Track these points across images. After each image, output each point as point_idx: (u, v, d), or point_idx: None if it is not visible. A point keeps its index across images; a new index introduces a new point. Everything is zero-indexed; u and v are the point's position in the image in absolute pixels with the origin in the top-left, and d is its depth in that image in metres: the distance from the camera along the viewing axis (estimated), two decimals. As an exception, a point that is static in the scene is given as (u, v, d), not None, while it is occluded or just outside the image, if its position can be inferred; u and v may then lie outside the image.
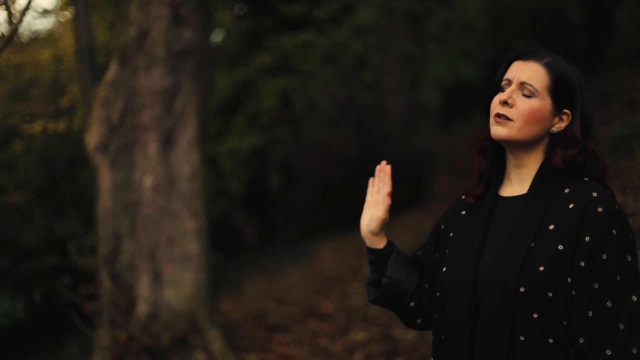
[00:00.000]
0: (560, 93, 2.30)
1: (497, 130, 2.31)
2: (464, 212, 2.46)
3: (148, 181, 6.22)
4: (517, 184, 2.36)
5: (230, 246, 13.08)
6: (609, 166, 2.30)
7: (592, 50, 16.29)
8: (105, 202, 6.26)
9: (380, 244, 2.57)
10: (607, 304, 2.13)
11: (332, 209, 12.12)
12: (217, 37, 13.91)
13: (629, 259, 2.17)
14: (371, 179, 2.64)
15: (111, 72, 6.30)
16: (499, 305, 2.19)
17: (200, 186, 6.39)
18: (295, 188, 12.48)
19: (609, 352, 2.12)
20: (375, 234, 2.57)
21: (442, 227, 2.54)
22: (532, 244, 2.21)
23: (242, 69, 11.97)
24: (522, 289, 2.16)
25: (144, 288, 6.13)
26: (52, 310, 6.92)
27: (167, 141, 6.27)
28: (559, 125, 2.32)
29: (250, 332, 6.98)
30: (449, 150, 15.08)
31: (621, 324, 2.13)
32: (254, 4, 13.51)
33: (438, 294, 2.39)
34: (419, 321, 2.56)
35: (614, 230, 2.17)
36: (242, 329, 7.01)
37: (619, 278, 2.15)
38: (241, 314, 7.88)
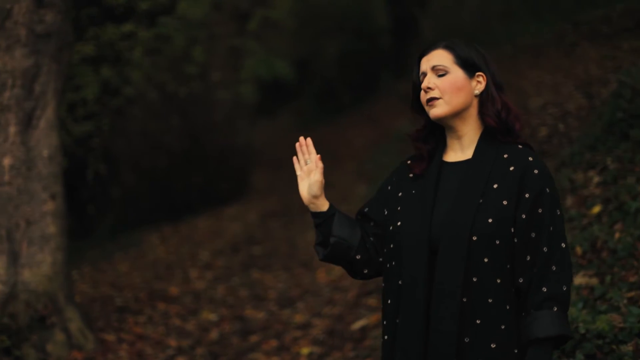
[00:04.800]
0: (466, 62, 2.74)
1: (434, 112, 2.74)
2: (411, 175, 2.85)
3: (6, 162, 6.19)
4: (459, 151, 2.79)
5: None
6: (519, 114, 2.79)
7: (398, 53, 17.19)
8: (-40, 182, 6.18)
9: (323, 207, 2.85)
10: (543, 249, 2.61)
11: (155, 199, 12.15)
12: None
13: (558, 213, 2.67)
14: (294, 158, 2.89)
15: (-30, 51, 6.22)
16: (455, 251, 2.62)
17: (59, 168, 6.43)
18: (118, 178, 12.44)
19: (544, 289, 2.60)
20: (318, 196, 2.84)
21: (389, 188, 2.90)
22: (480, 200, 2.65)
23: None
24: (474, 238, 2.61)
25: (1, 269, 6.09)
26: None
27: (27, 122, 6.28)
28: (479, 87, 2.75)
29: (103, 313, 7.06)
30: (264, 144, 15.49)
31: (554, 266, 2.62)
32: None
33: (392, 245, 2.76)
34: (365, 271, 2.90)
35: (547, 189, 2.65)
36: (93, 310, 7.07)
37: (551, 228, 2.63)
38: (83, 299, 7.89)
